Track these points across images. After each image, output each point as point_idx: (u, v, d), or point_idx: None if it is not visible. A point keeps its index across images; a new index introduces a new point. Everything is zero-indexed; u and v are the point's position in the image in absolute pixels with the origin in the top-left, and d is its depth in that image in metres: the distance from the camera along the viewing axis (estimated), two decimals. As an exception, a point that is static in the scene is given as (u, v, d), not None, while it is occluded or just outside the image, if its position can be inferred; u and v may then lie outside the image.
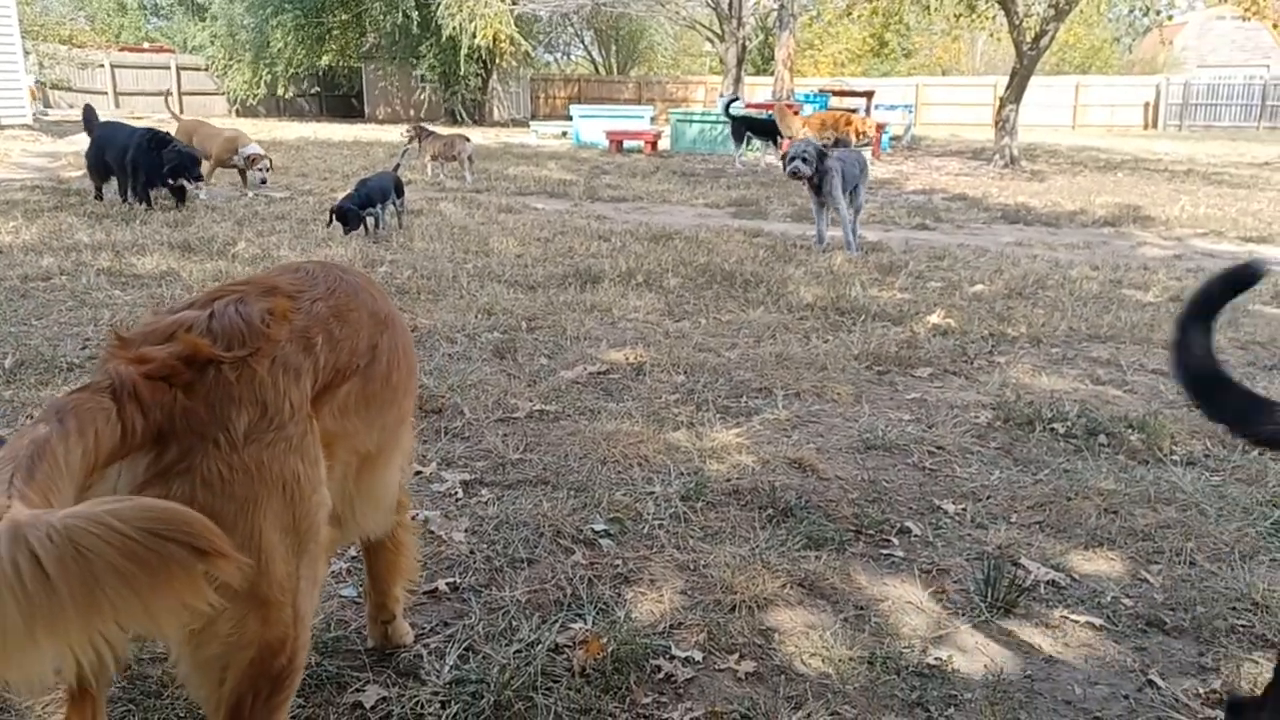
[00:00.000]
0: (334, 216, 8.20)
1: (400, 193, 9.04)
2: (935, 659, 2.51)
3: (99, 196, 10.28)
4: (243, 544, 1.51)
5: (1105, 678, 2.48)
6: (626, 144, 20.08)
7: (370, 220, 8.47)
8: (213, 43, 31.57)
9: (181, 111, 29.71)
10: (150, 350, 1.55)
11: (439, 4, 27.28)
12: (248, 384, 1.58)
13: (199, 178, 10.01)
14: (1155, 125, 35.26)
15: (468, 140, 13.82)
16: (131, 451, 1.47)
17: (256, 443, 1.56)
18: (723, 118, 20.29)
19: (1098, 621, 2.71)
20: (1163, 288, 7.29)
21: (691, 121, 21.10)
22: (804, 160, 8.19)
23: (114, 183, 10.16)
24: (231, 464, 1.52)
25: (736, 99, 19.38)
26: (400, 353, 2.02)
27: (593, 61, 44.89)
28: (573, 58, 46.27)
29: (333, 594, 2.72)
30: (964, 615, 2.73)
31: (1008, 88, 18.84)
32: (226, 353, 1.59)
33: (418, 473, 3.48)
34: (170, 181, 9.68)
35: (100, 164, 10.17)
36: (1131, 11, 19.28)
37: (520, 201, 11.59)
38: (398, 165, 9.61)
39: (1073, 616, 2.73)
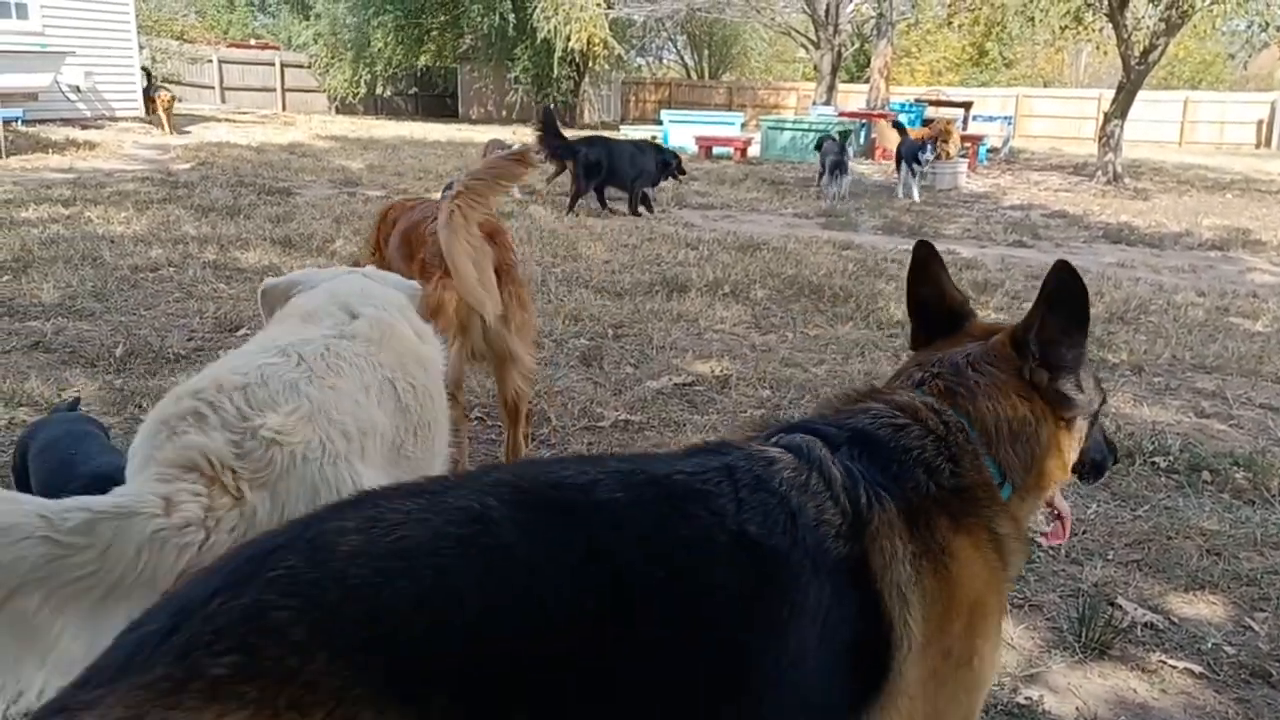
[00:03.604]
0: None
1: None
2: (1026, 698, 2.45)
3: (603, 204, 11.38)
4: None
5: (1205, 730, 2.38)
6: (716, 150, 20.00)
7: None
8: (316, 41, 32.45)
9: (284, 108, 30.80)
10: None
11: (535, 7, 27.61)
12: None
13: None
14: (1269, 144, 33.71)
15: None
16: None
17: None
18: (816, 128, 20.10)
19: (1197, 669, 2.61)
20: (1273, 317, 6.98)
21: (783, 129, 20.88)
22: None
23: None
24: None
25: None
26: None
27: (684, 65, 44.86)
28: (664, 61, 46.30)
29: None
30: (1057, 654, 2.66)
31: (1113, 102, 18.23)
32: None
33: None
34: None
35: (598, 175, 11.08)
36: (1250, 26, 18.41)
37: (609, 206, 11.66)
38: None
39: (1171, 661, 2.64)
